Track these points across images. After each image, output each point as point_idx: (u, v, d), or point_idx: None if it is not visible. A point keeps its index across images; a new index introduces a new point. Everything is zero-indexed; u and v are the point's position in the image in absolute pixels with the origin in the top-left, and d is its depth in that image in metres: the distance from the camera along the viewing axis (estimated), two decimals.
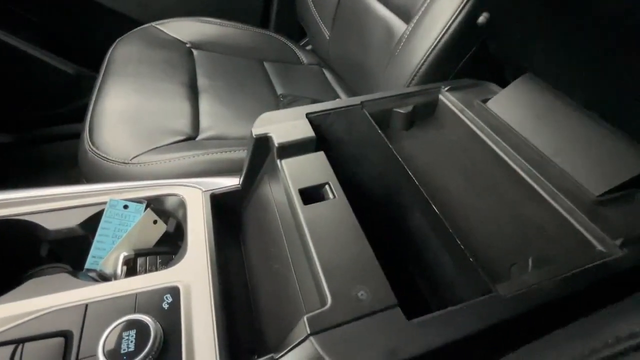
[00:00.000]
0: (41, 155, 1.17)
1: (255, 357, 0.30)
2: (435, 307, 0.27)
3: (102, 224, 0.40)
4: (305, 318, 0.25)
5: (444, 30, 0.60)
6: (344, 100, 0.44)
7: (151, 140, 0.65)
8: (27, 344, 0.28)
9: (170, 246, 0.42)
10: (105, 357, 0.27)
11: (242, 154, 0.64)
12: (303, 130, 0.38)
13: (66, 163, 1.03)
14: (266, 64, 0.95)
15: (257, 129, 0.38)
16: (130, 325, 0.29)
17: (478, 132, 0.43)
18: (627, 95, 0.36)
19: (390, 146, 0.39)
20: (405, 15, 0.70)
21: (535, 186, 0.37)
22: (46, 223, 0.38)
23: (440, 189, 0.40)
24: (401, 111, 0.46)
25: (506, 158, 0.40)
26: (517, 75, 0.48)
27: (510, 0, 0.45)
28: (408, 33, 0.66)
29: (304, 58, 1.04)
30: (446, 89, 0.48)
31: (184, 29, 0.96)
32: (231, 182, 0.44)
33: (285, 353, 0.27)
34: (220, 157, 0.63)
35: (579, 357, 0.15)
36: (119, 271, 0.37)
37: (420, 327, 0.26)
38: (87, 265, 0.38)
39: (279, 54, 1.02)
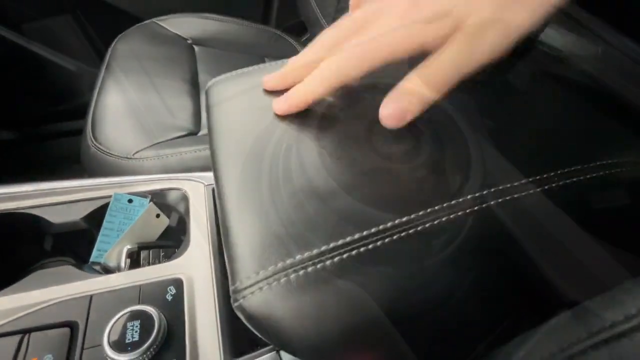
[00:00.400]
0: (43, 152, 1.17)
1: (258, 347, 0.30)
2: None
3: (108, 217, 0.40)
4: None
5: None
6: None
7: (153, 136, 0.65)
8: (33, 334, 0.29)
9: (173, 240, 0.42)
10: (111, 347, 0.28)
11: None
12: None
13: (68, 160, 1.03)
14: (267, 60, 0.95)
15: None
16: (134, 316, 0.30)
17: None
18: None
19: None
20: None
21: None
22: (51, 216, 0.39)
23: None
24: None
25: None
26: None
27: None
28: None
29: None
30: None
31: (185, 25, 0.96)
32: None
33: None
34: None
35: (576, 340, 0.15)
36: (122, 264, 0.38)
37: None
38: (92, 259, 0.39)
39: (280, 50, 1.02)
